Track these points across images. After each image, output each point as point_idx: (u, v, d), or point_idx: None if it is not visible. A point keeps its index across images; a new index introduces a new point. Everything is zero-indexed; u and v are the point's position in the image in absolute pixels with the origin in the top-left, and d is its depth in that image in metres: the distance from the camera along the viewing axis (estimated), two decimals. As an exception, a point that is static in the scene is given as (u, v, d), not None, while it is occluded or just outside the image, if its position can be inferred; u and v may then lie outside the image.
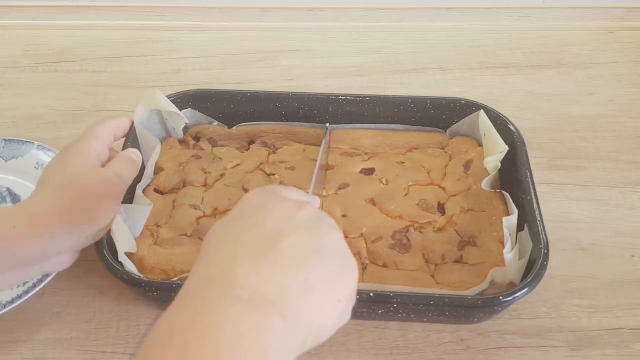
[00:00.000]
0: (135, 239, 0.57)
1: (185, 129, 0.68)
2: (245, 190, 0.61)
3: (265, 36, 0.92)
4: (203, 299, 0.33)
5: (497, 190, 0.60)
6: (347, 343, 0.55)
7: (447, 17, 0.95)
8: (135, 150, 0.58)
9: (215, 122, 0.69)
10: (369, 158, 0.65)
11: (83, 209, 0.49)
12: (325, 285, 0.37)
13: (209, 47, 0.90)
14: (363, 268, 0.55)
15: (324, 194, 0.61)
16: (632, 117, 0.78)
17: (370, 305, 0.50)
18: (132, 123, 0.61)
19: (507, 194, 0.58)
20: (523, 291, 0.48)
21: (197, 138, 0.68)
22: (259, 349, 0.32)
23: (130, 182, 0.55)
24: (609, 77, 0.84)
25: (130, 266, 0.53)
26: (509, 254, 0.51)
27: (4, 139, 0.70)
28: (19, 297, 0.55)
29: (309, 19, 0.95)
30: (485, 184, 0.59)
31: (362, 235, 0.57)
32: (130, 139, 0.60)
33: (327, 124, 0.67)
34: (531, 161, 0.60)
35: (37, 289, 0.56)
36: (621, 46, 0.90)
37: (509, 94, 0.81)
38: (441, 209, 0.60)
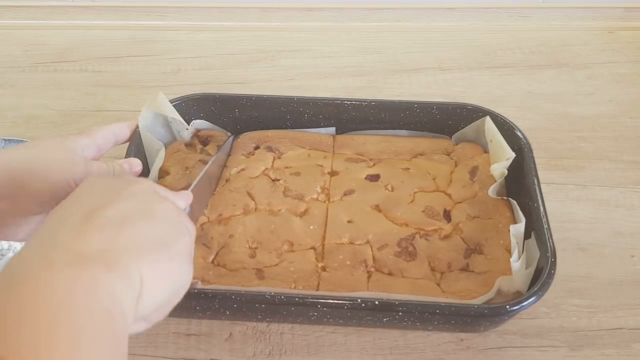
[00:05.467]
0: None
1: (196, 132, 0.67)
2: (250, 196, 0.61)
3: (265, 36, 0.92)
4: (20, 269, 0.33)
5: (504, 197, 0.59)
6: (347, 343, 0.55)
7: (447, 17, 0.95)
8: (133, 160, 0.56)
9: (228, 134, 0.68)
10: (374, 164, 0.65)
11: (31, 161, 0.48)
12: (154, 244, 0.37)
13: (209, 47, 0.90)
14: (368, 276, 0.54)
15: (331, 200, 0.61)
16: (632, 117, 0.78)
17: (375, 314, 0.49)
18: (137, 127, 0.60)
19: (514, 202, 0.58)
20: (530, 300, 0.47)
21: (205, 142, 0.67)
22: (82, 305, 0.31)
23: None
24: (609, 77, 0.84)
25: None
26: (516, 262, 0.50)
27: (4, 139, 0.70)
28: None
29: (309, 19, 0.95)
30: (491, 191, 0.59)
31: (368, 242, 0.57)
32: (135, 142, 0.59)
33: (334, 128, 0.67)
34: (531, 161, 0.60)
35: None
36: (621, 46, 0.90)
37: (509, 94, 0.81)
38: (447, 216, 0.59)
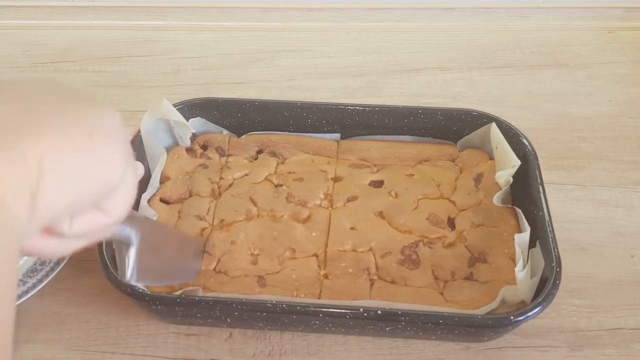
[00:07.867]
0: None
1: (194, 137, 0.66)
2: (253, 202, 0.60)
3: (265, 36, 0.92)
4: None
5: (509, 205, 0.58)
6: (347, 343, 0.55)
7: (447, 17, 0.95)
8: (137, 164, 0.54)
9: (225, 131, 0.67)
10: (378, 170, 0.64)
11: None
12: (61, 111, 0.28)
13: (209, 47, 0.90)
14: (371, 284, 0.54)
15: (334, 206, 0.60)
16: (632, 117, 0.77)
17: (377, 323, 0.49)
18: (138, 131, 0.59)
19: (519, 211, 0.57)
20: (535, 311, 0.47)
21: (205, 147, 0.66)
22: None
23: None
24: (609, 77, 0.84)
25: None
26: (520, 272, 0.50)
27: (4, 139, 0.70)
28: (19, 297, 0.55)
29: (309, 19, 0.95)
30: (496, 199, 0.58)
31: (371, 249, 0.56)
32: (136, 147, 0.59)
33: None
34: (531, 161, 0.60)
35: (37, 289, 0.56)
36: (621, 46, 0.90)
37: (509, 94, 0.81)
38: (451, 223, 0.58)
